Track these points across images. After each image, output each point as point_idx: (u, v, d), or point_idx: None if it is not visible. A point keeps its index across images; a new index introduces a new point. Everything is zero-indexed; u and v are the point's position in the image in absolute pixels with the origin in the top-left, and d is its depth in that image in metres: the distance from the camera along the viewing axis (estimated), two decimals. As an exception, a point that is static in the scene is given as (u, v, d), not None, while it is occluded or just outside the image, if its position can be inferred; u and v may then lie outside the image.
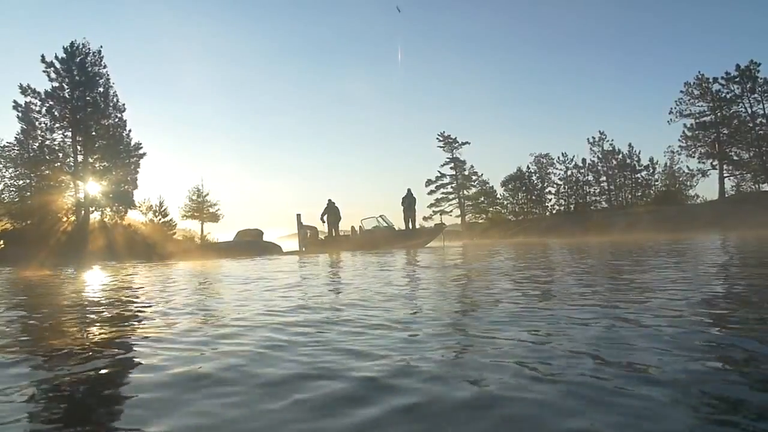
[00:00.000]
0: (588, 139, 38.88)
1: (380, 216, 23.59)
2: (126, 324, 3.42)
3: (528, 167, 40.54)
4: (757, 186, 34.56)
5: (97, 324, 3.50)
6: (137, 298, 5.20)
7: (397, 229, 23.19)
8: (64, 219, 22.10)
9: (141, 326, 3.28)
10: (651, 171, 37.91)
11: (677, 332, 2.34)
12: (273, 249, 22.40)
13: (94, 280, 8.41)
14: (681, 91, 35.51)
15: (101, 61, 23.59)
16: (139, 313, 3.92)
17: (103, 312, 4.08)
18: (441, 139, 42.75)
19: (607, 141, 38.43)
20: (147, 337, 2.83)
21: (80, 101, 22.85)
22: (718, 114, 34.41)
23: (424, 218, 35.07)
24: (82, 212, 22.48)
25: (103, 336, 3.01)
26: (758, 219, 26.52)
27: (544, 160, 39.91)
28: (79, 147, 22.85)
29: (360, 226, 23.24)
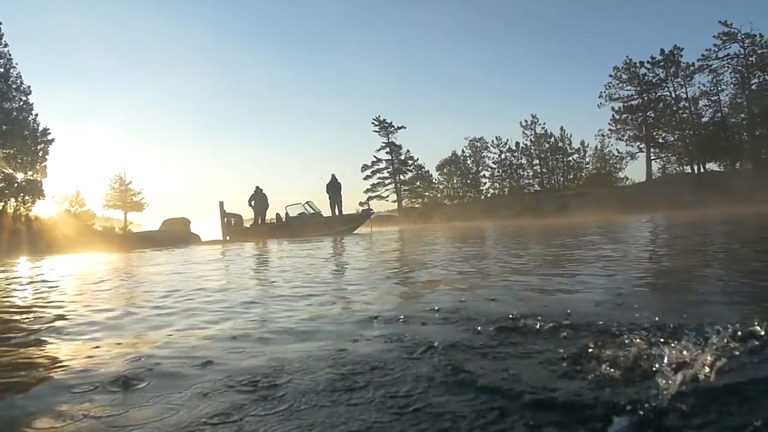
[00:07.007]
0: (521, 122, 39.13)
1: (307, 202, 23.15)
2: None
3: (463, 151, 40.67)
4: (681, 168, 35.98)
5: None
6: None
7: (324, 215, 22.75)
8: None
9: None
10: (582, 154, 38.75)
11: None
12: (192, 238, 21.65)
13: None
14: (610, 75, 36.25)
15: (0, 39, 21.91)
16: None
17: None
18: (376, 123, 42.09)
19: (540, 124, 38.78)
20: None
21: (-25, 83, 21.21)
22: (645, 98, 35.40)
23: (360, 203, 34.69)
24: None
25: None
26: (682, 200, 27.81)
27: (479, 144, 40.07)
28: (-24, 133, 21.25)
29: (285, 213, 22.70)
